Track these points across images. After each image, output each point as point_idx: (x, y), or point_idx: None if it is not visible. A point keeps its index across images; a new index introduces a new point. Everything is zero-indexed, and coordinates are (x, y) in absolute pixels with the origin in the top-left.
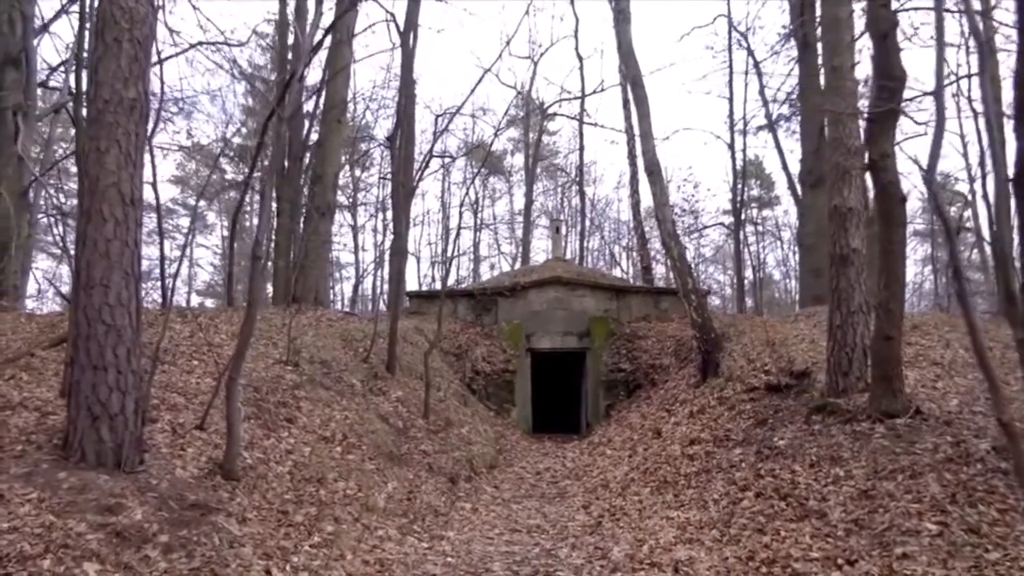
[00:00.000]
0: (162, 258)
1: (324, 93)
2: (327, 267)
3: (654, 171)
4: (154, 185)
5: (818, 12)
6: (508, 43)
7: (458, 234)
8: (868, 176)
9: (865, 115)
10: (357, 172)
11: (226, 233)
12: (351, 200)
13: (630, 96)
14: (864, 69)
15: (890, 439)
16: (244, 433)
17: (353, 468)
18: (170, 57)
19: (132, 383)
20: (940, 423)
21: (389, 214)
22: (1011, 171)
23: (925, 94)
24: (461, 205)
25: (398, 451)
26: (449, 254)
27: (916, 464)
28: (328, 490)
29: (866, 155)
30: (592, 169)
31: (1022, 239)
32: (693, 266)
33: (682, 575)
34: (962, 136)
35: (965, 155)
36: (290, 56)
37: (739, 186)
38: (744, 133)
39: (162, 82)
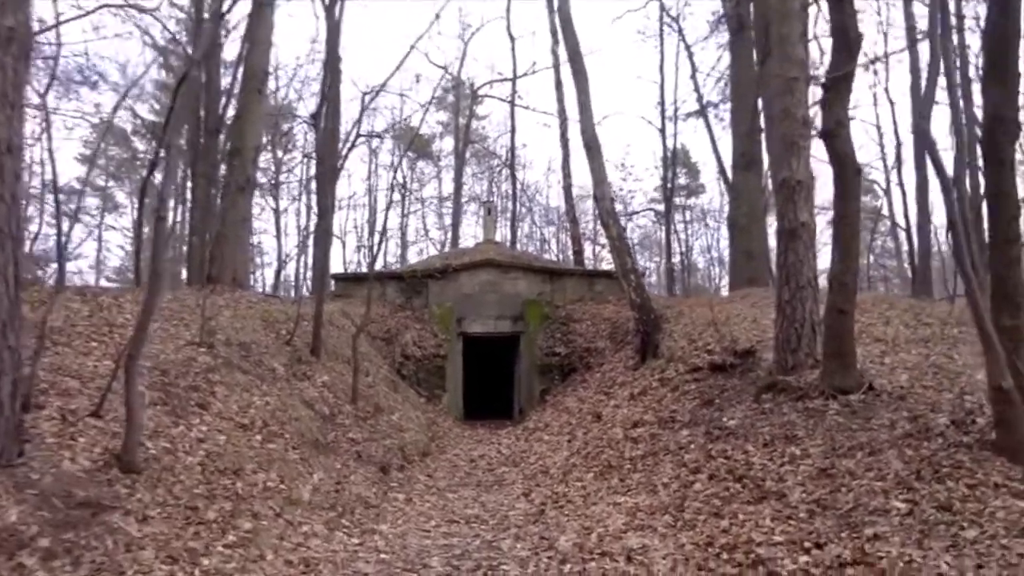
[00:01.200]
0: (59, 231)
1: (243, 63)
2: (246, 246)
3: (592, 146)
4: (50, 152)
5: None
6: (437, 17)
7: (387, 215)
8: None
9: (821, 81)
10: (279, 152)
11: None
12: (273, 182)
13: (565, 73)
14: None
15: (845, 416)
16: (148, 420)
17: (275, 458)
18: (72, 19)
19: (9, 362)
20: (894, 399)
21: (313, 197)
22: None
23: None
24: (390, 188)
25: (324, 439)
26: (377, 234)
27: (874, 441)
28: (246, 482)
29: (819, 123)
30: (522, 154)
31: (989, 209)
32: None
33: (636, 564)
34: (878, 126)
35: (881, 144)
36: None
37: (669, 172)
38: (675, 118)
39: (60, 43)
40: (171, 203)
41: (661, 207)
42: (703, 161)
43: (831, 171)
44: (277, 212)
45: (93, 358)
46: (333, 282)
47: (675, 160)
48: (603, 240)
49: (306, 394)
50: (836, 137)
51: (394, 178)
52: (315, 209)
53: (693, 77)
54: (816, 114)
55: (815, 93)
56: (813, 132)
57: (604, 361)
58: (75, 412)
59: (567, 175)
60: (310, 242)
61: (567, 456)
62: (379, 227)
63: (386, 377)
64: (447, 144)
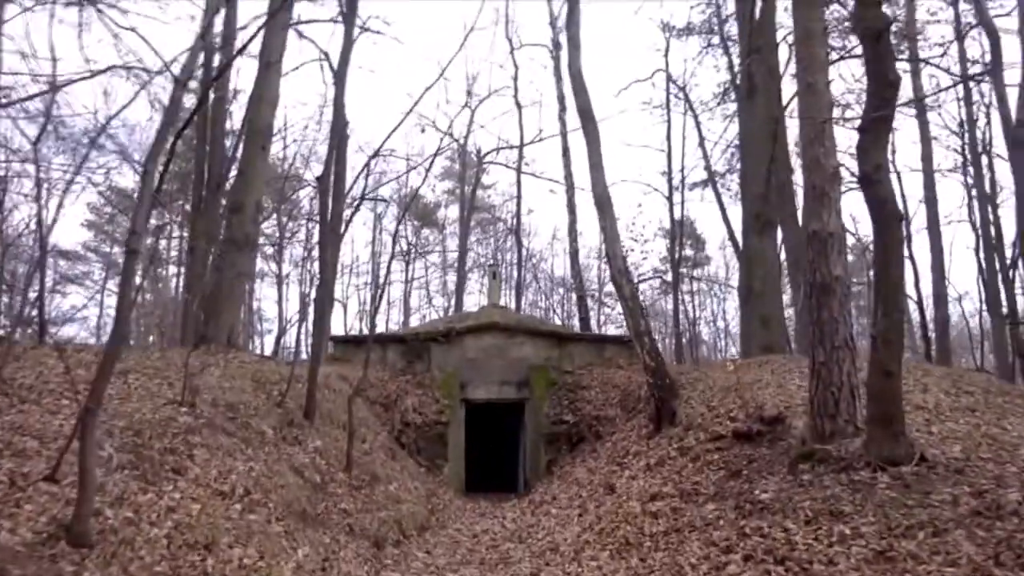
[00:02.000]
0: (42, 282)
1: (247, 120)
2: (242, 306)
3: (604, 204)
4: (38, 201)
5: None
6: (442, 73)
7: (387, 278)
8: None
9: (856, 125)
10: (284, 218)
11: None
12: (276, 247)
13: (572, 140)
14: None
15: (898, 490)
16: (114, 486)
17: (255, 531)
18: (80, 79)
19: None
20: (950, 471)
21: (315, 265)
22: None
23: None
24: (391, 255)
25: (313, 510)
26: (378, 294)
27: (937, 519)
28: (219, 559)
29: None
30: (528, 221)
31: None
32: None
33: None
34: None
35: None
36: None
37: (677, 238)
38: (682, 187)
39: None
40: (143, 234)
41: (668, 276)
42: (707, 233)
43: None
44: (280, 278)
45: (60, 417)
46: (332, 345)
47: (682, 228)
48: (609, 306)
49: (296, 460)
50: (875, 182)
51: (395, 238)
52: (317, 274)
53: (701, 145)
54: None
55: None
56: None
57: (615, 430)
58: (27, 476)
59: (574, 240)
60: (311, 306)
61: (578, 532)
62: (380, 280)
63: (384, 444)
64: (452, 212)
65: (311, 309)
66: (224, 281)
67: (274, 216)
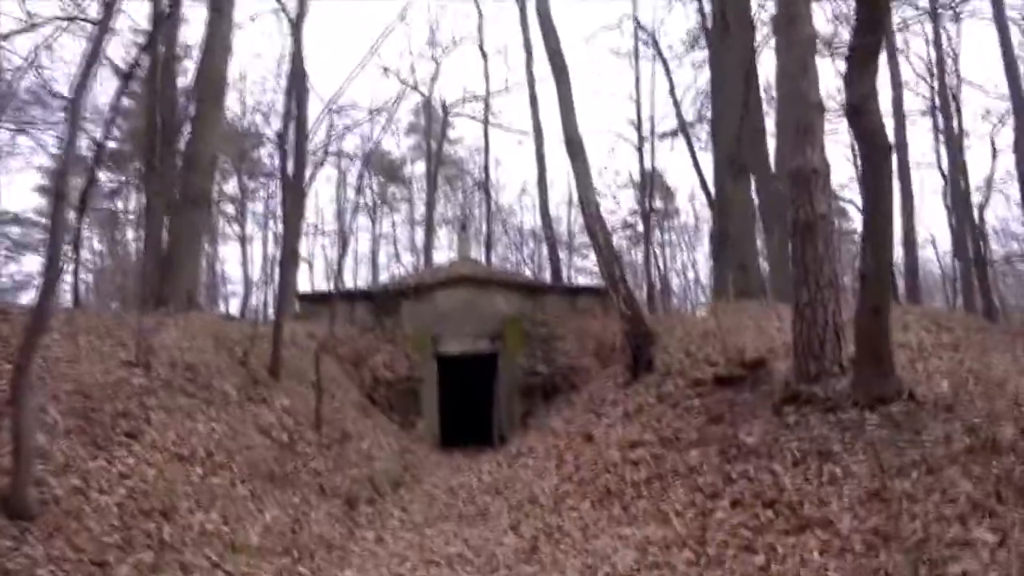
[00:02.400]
0: None
1: (199, 70)
2: (201, 265)
3: (576, 147)
4: None
5: None
6: (403, 16)
7: (353, 227)
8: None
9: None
10: (245, 178)
11: (99, 246)
12: (238, 209)
13: (540, 89)
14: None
15: (888, 428)
16: (59, 453)
17: (218, 495)
18: (19, 32)
19: None
20: (940, 408)
21: (279, 224)
22: None
23: None
24: (355, 204)
25: (282, 470)
26: (343, 244)
27: (930, 457)
28: (177, 526)
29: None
30: (495, 176)
31: None
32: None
33: None
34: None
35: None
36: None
37: (648, 187)
38: (652, 135)
39: None
40: (70, 176)
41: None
42: (676, 184)
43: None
44: (243, 239)
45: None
46: (298, 304)
47: (652, 179)
48: (583, 254)
49: (262, 419)
50: (863, 113)
51: (360, 179)
52: (281, 229)
53: (672, 93)
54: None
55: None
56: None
57: (591, 380)
58: None
59: (544, 191)
60: (276, 266)
61: (557, 482)
62: (346, 233)
63: (355, 402)
64: (419, 169)
65: (276, 267)
66: (180, 239)
67: (235, 176)
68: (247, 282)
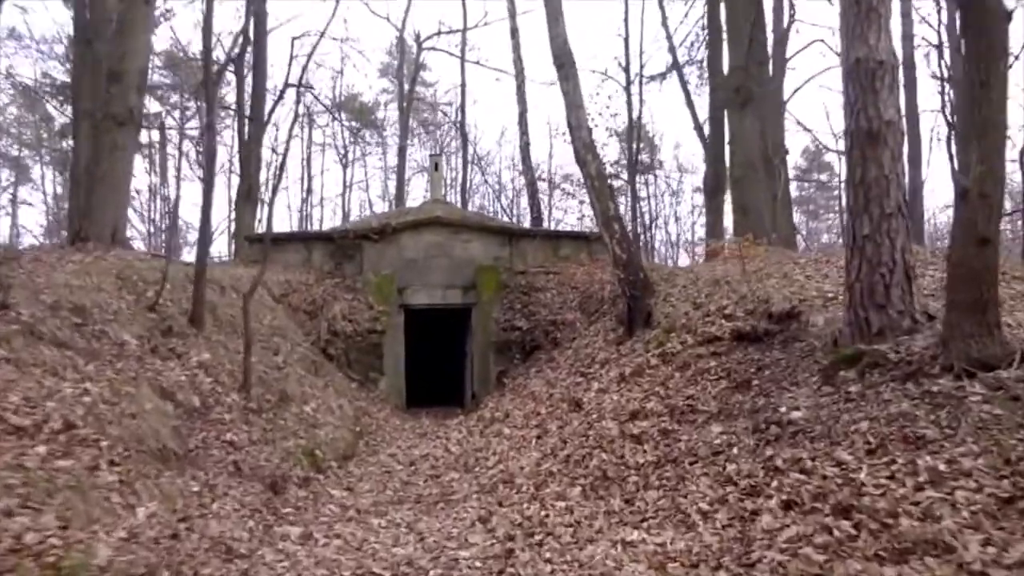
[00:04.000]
0: None
1: None
2: (127, 194)
3: (565, 63)
4: None
5: None
6: None
7: (287, 146)
8: None
9: None
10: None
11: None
12: (199, 147)
13: (520, 22)
14: None
15: (1003, 404)
16: None
17: (62, 485)
18: None
19: None
20: None
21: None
22: None
23: None
24: (294, 117)
25: (182, 446)
26: (280, 164)
27: None
28: None
29: None
30: (473, 118)
31: None
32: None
33: None
34: None
35: None
36: None
37: (636, 133)
38: (640, 77)
39: None
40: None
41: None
42: (660, 134)
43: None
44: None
45: None
46: (248, 245)
47: (640, 126)
48: (571, 193)
49: (167, 378)
50: None
51: (299, 85)
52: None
53: (664, 24)
54: None
55: None
56: None
57: (576, 335)
58: None
59: (524, 132)
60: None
61: (538, 459)
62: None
63: (304, 357)
64: (392, 114)
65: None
66: (104, 166)
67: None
68: (207, 228)
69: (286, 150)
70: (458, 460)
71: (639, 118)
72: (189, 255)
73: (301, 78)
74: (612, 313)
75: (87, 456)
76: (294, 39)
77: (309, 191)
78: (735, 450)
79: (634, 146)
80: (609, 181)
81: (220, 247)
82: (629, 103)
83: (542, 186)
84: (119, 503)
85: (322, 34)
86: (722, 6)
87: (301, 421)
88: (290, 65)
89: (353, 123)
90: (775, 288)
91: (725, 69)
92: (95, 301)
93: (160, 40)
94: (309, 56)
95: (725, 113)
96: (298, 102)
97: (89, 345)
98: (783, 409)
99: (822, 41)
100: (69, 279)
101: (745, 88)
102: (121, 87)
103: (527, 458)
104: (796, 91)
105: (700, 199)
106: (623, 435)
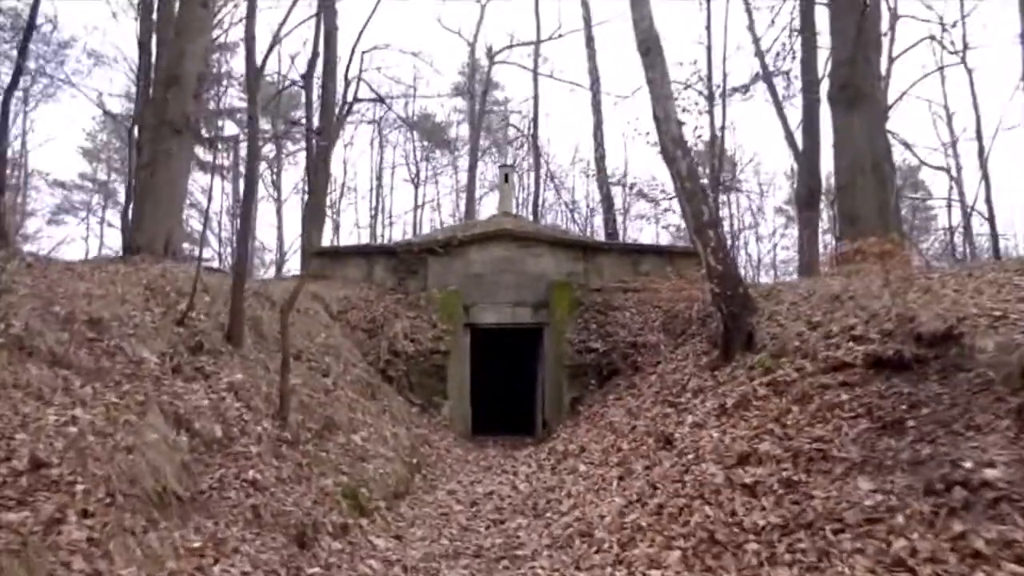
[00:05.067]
0: None
1: None
2: (181, 204)
3: (652, 48)
4: None
5: None
6: None
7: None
8: None
9: None
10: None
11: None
12: (275, 171)
13: (596, 32)
14: None
15: None
16: None
17: (3, 548)
18: None
19: None
20: None
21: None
22: None
23: None
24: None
25: (190, 487)
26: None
27: None
28: None
29: None
30: (545, 134)
31: None
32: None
33: None
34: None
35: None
36: None
37: (719, 149)
38: (724, 84)
39: None
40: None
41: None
42: (740, 147)
43: None
44: (279, 202)
45: None
46: (313, 260)
47: (723, 138)
48: (637, 225)
49: (185, 402)
50: None
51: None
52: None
53: (751, 28)
54: None
55: None
56: None
57: (660, 359)
58: None
59: (600, 144)
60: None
61: (621, 506)
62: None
63: (359, 379)
64: (465, 132)
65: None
66: (158, 175)
67: (269, 131)
68: (283, 248)
69: (329, 144)
70: (526, 501)
71: (722, 131)
72: (266, 275)
73: (360, 63)
74: (702, 335)
75: (50, 506)
76: (363, 52)
77: (379, 209)
78: (900, 518)
79: (715, 163)
80: (703, 181)
81: (294, 265)
82: (711, 116)
83: (618, 199)
84: (80, 571)
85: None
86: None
87: (347, 453)
88: (359, 77)
89: (425, 142)
90: (919, 304)
91: (820, 71)
92: (115, 313)
93: (238, 62)
94: (352, 44)
95: (829, 114)
96: (350, 103)
97: (96, 363)
98: (968, 464)
99: (932, 38)
100: (91, 288)
101: (853, 85)
102: (177, 91)
103: (608, 504)
104: (904, 94)
105: (780, 220)
106: (731, 484)
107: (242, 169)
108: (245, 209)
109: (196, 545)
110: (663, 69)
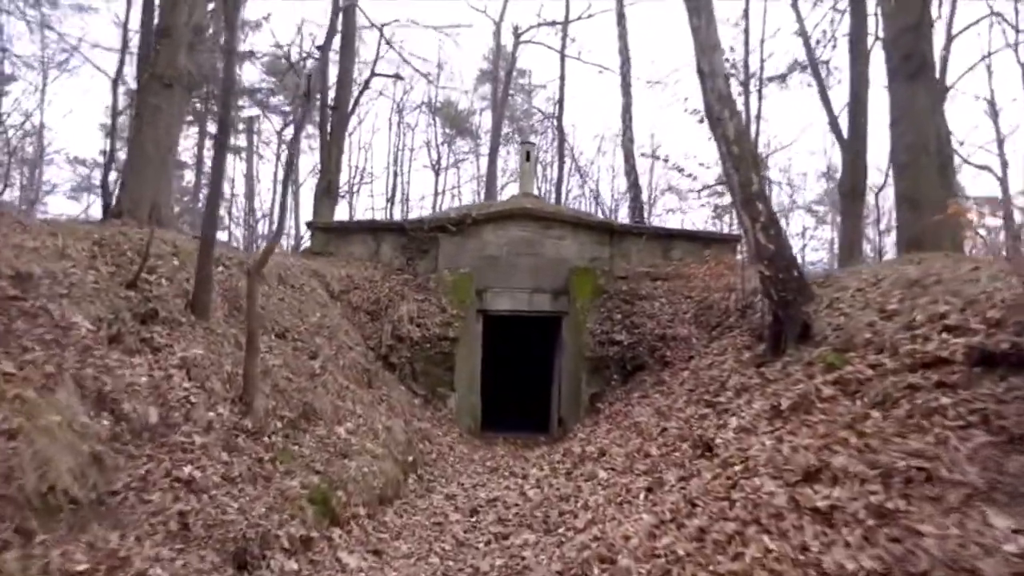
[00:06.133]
0: None
1: None
2: (170, 166)
3: None
4: None
5: None
6: None
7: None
8: None
9: None
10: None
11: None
12: (291, 149)
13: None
14: None
15: None
16: None
17: None
18: None
19: None
20: None
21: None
22: None
23: None
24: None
25: (97, 487)
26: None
27: None
28: None
29: None
30: (569, 121)
31: None
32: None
33: None
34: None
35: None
36: None
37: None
38: (761, 71)
39: None
40: None
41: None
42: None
43: None
44: (296, 184)
45: None
46: (312, 234)
47: (758, 127)
48: (665, 207)
49: (117, 379)
50: None
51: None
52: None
53: (795, 5)
54: None
55: None
56: None
57: (693, 354)
58: None
59: (628, 127)
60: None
61: (652, 526)
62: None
63: (354, 364)
64: (487, 121)
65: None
66: (145, 135)
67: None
68: (284, 212)
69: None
70: (536, 512)
71: (757, 120)
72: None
73: (379, 39)
74: (741, 327)
75: None
76: (382, 26)
77: (395, 193)
78: None
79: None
80: (753, 146)
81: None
82: (747, 103)
83: (645, 192)
84: None
85: None
86: None
87: (324, 448)
88: (377, 54)
89: (447, 129)
90: (1010, 291)
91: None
92: (49, 269)
93: (262, 43)
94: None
95: (875, 97)
96: (368, 79)
97: (8, 325)
98: None
99: (998, 15)
100: (27, 240)
101: (919, 54)
102: (170, 44)
103: (634, 522)
104: (966, 72)
105: (810, 220)
106: (797, 507)
107: (257, 150)
108: (216, 163)
109: (80, 569)
110: (710, 17)
